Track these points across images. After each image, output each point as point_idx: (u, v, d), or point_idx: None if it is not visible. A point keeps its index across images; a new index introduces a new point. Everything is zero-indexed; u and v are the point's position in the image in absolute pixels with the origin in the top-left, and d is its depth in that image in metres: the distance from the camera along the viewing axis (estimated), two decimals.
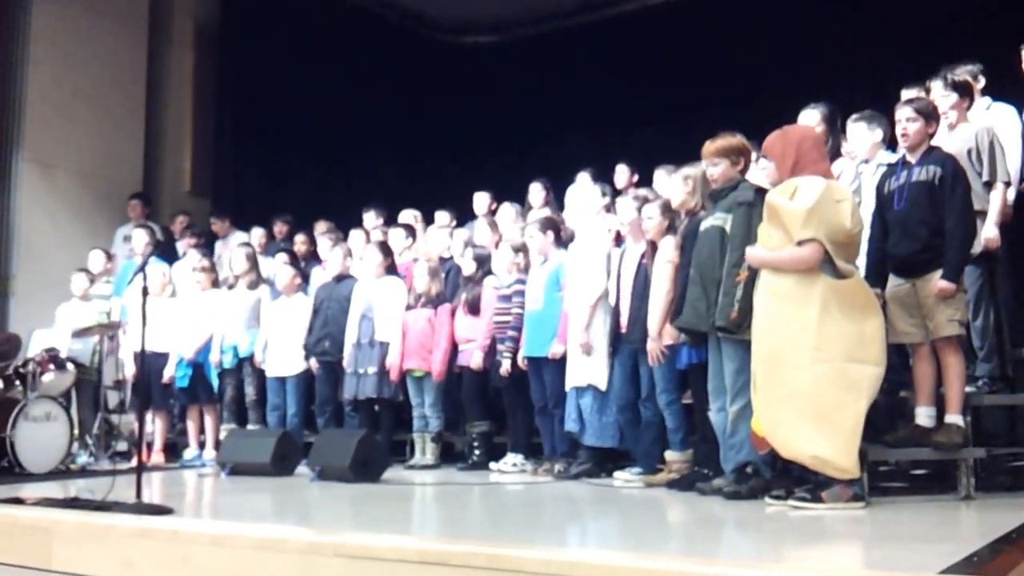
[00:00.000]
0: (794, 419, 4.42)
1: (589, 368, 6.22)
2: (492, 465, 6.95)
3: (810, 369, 4.41)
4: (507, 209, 8.11)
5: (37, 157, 9.87)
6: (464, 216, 8.90)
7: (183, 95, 11.33)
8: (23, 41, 9.80)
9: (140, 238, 8.88)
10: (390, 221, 8.89)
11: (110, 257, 9.21)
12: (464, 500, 5.64)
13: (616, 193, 7.62)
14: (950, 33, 8.15)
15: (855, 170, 5.65)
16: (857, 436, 4.41)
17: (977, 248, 5.08)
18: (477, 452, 7.14)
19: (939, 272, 4.71)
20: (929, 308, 4.76)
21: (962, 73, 5.66)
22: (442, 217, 8.74)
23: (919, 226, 4.79)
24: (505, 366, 6.80)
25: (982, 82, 5.81)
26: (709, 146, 5.21)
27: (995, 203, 5.16)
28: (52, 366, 7.46)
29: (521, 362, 6.74)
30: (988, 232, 5.13)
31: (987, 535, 3.45)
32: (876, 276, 4.90)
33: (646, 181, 7.57)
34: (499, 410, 7.26)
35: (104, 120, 10.36)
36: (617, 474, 5.99)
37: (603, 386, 6.15)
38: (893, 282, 4.92)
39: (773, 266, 4.61)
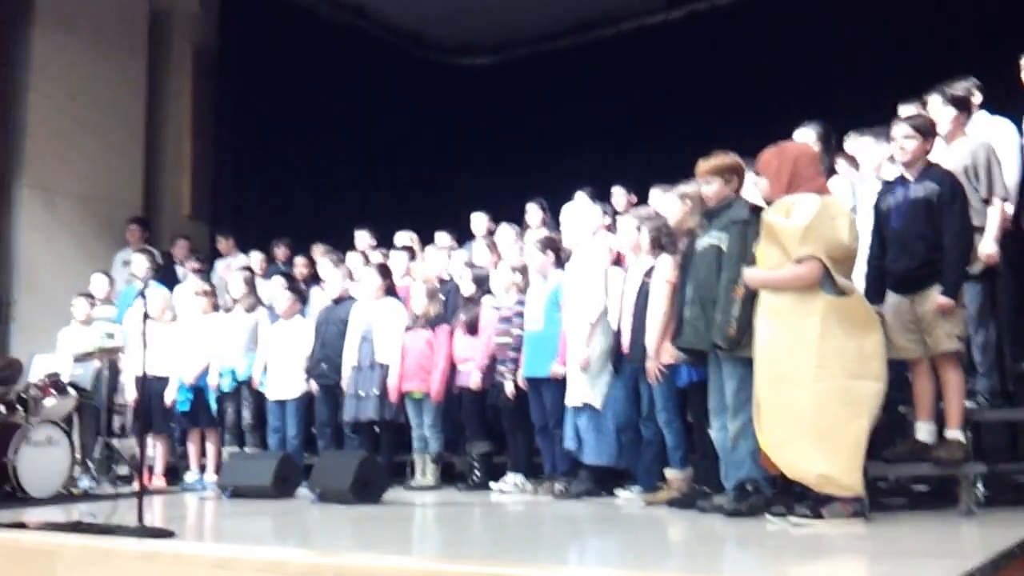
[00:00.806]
0: (797, 438, 4.41)
1: (585, 387, 6.22)
2: (492, 485, 6.94)
3: (813, 386, 4.41)
4: (505, 230, 8.13)
5: (37, 184, 9.89)
6: (462, 237, 8.92)
7: (182, 121, 11.36)
8: (23, 69, 9.85)
9: (140, 263, 8.90)
10: (385, 241, 8.92)
11: (112, 281, 9.22)
12: (465, 520, 5.63)
13: (615, 214, 7.65)
14: (949, 45, 8.19)
15: (850, 187, 5.67)
16: (860, 453, 4.40)
17: (977, 265, 5.09)
18: (477, 472, 7.13)
19: (937, 288, 4.72)
20: (928, 324, 4.76)
21: (959, 88, 5.66)
22: (442, 238, 8.75)
23: (917, 242, 4.80)
24: (508, 388, 6.80)
25: (979, 96, 5.81)
26: (702, 165, 5.24)
27: (993, 219, 5.15)
28: (53, 391, 7.46)
29: (521, 382, 6.74)
30: (987, 248, 5.11)
31: (988, 550, 3.43)
32: (874, 292, 4.90)
33: (644, 201, 7.59)
34: (499, 430, 7.26)
35: (104, 146, 10.39)
36: (618, 492, 5.99)
37: (598, 405, 6.16)
38: (892, 298, 4.91)
39: (773, 286, 4.61)
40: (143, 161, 10.89)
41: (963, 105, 5.46)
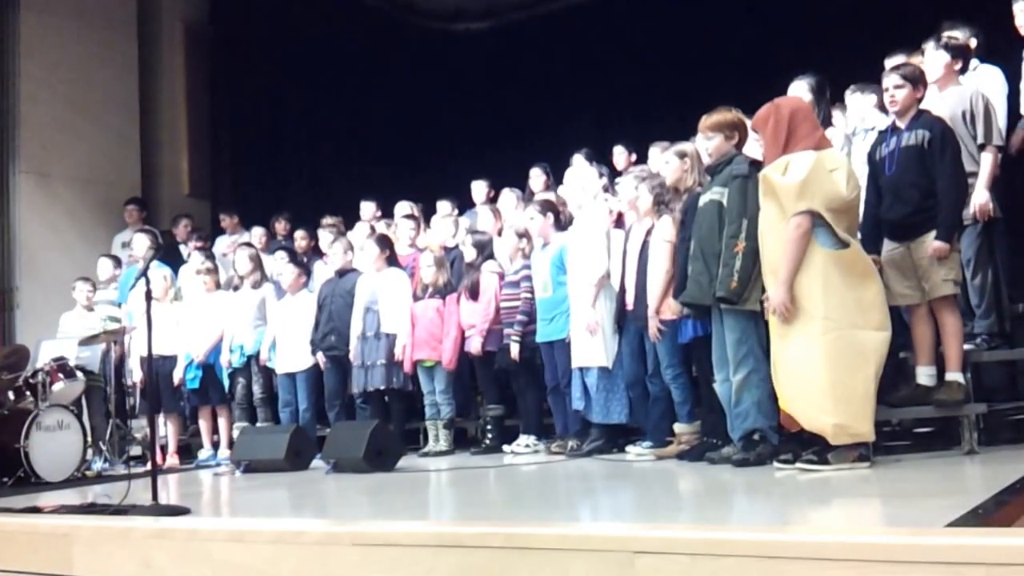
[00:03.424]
0: (810, 390, 4.47)
1: (595, 348, 6.30)
2: (505, 447, 7.04)
3: (820, 339, 4.45)
4: (507, 195, 8.18)
5: (34, 168, 9.92)
6: (464, 204, 8.95)
7: (176, 98, 11.35)
8: (13, 55, 9.86)
9: (141, 243, 8.92)
10: (388, 212, 8.94)
11: (119, 263, 9.26)
12: (479, 483, 5.71)
13: (615, 174, 7.67)
14: None
15: (844, 138, 5.69)
16: (869, 400, 4.46)
17: (968, 213, 5.11)
18: (490, 436, 7.22)
19: (932, 234, 4.78)
20: (924, 269, 4.84)
21: (958, 34, 5.65)
22: (444, 207, 8.76)
23: (910, 189, 4.86)
24: (514, 351, 6.89)
25: (975, 43, 5.79)
26: (705, 121, 5.28)
27: (986, 166, 5.17)
28: (61, 375, 7.52)
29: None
30: (979, 196, 5.12)
31: (991, 488, 3.50)
32: (871, 241, 4.97)
33: (643, 159, 7.61)
34: (510, 394, 7.34)
35: (99, 128, 10.40)
36: (629, 448, 6.08)
37: (609, 364, 6.24)
38: (888, 246, 5.00)
39: (792, 272, 4.52)
40: (139, 141, 10.88)
41: (958, 52, 5.44)
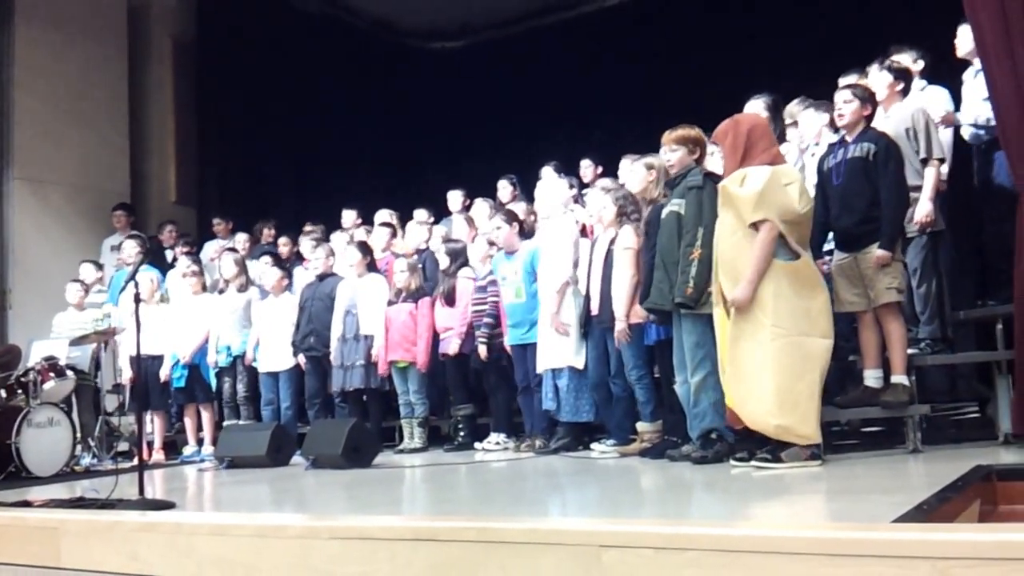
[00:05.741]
0: (758, 393, 4.50)
1: (566, 350, 6.31)
2: (477, 445, 7.03)
3: (769, 345, 4.47)
4: (480, 205, 8.19)
5: (27, 175, 9.83)
6: (440, 213, 8.94)
7: (165, 109, 11.29)
8: (7, 65, 9.78)
9: (129, 247, 8.85)
10: (368, 220, 8.92)
11: (99, 267, 9.17)
12: (452, 479, 5.69)
13: (583, 186, 7.68)
14: (889, 18, 8.23)
15: (798, 153, 5.73)
16: (814, 404, 4.48)
17: (913, 227, 5.16)
18: (462, 433, 7.20)
19: (876, 244, 4.81)
20: (870, 278, 4.88)
21: (901, 57, 5.72)
22: (420, 215, 8.75)
23: (856, 199, 4.92)
24: (482, 351, 6.89)
25: (920, 65, 5.86)
26: (668, 135, 5.33)
27: (929, 179, 5.21)
28: (52, 374, 7.45)
29: (508, 348, 6.81)
30: (923, 209, 5.16)
31: (934, 485, 3.51)
32: (818, 247, 5.03)
33: (612, 172, 7.63)
34: (481, 394, 7.32)
35: (90, 136, 10.32)
36: (594, 446, 6.08)
37: (580, 365, 6.25)
38: (837, 256, 5.06)
39: (760, 269, 4.51)
40: (128, 149, 10.81)
41: (900, 74, 5.51)
